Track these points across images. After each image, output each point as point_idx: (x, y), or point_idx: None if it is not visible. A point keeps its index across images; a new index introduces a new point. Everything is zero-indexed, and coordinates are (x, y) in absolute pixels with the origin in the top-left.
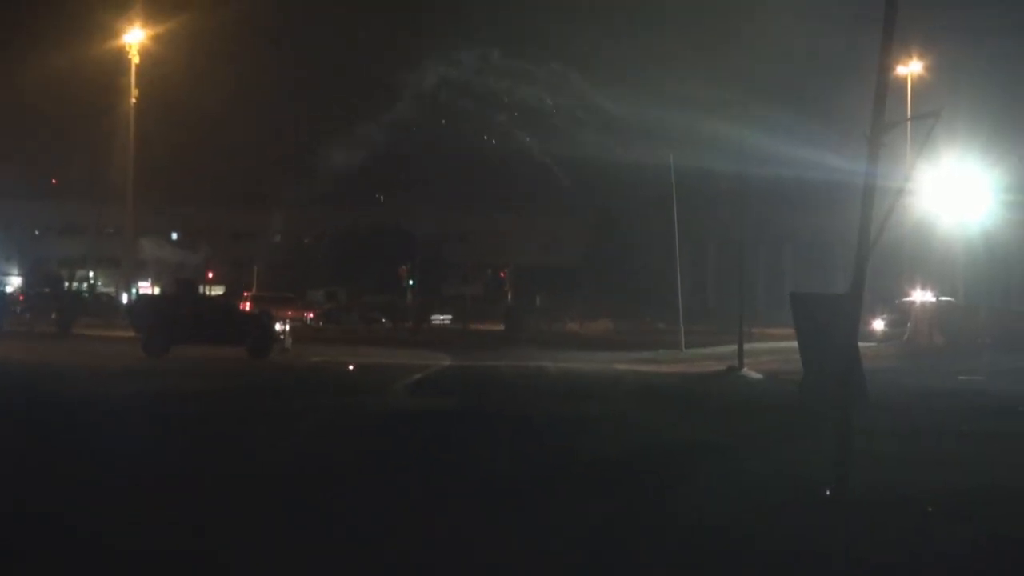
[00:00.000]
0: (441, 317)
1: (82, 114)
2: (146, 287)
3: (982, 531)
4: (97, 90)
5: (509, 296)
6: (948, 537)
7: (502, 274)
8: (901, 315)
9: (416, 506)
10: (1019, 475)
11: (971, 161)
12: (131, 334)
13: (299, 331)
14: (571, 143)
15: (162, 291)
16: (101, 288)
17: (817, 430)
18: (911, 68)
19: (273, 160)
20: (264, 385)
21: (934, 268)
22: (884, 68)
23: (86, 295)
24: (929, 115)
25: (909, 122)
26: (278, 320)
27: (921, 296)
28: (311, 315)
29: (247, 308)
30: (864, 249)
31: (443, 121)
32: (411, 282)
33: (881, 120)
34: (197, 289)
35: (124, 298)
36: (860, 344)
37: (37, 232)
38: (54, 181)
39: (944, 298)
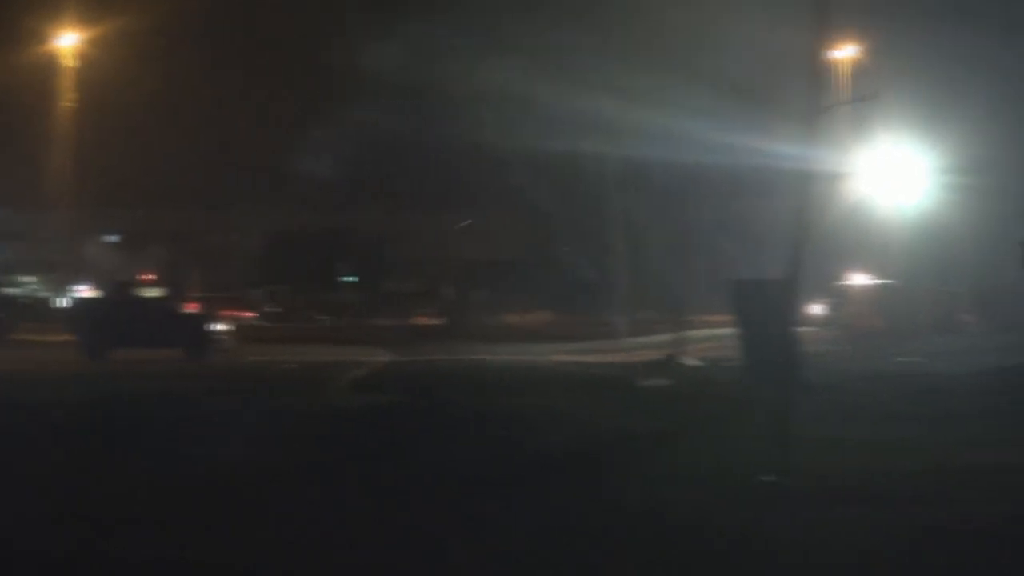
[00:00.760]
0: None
1: (16, 119)
2: (84, 291)
3: (925, 515)
4: (33, 94)
5: (448, 291)
6: (890, 520)
7: (443, 268)
8: (839, 299)
9: (354, 505)
10: (961, 456)
11: (908, 143)
12: (71, 338)
13: (239, 331)
14: (508, 135)
15: (100, 294)
16: (39, 293)
17: (757, 416)
18: (847, 51)
19: (213, 161)
20: (202, 387)
21: (872, 251)
22: (818, 51)
23: (25, 300)
24: (866, 98)
25: (846, 105)
26: (218, 320)
27: (859, 279)
28: (250, 314)
29: (195, 308)
30: (802, 234)
31: (376, 120)
32: (350, 279)
33: (817, 103)
34: (135, 290)
35: (63, 302)
36: (799, 328)
37: None
38: None
39: (882, 281)
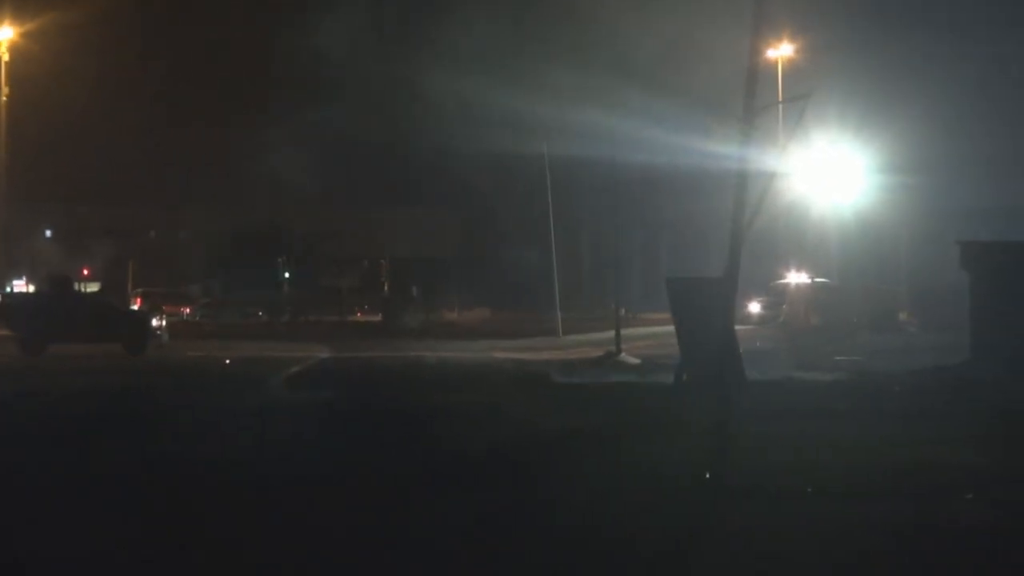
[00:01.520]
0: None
1: None
2: (20, 285)
3: (865, 512)
4: None
5: (386, 287)
6: (828, 518)
7: (381, 265)
8: (776, 297)
9: (282, 505)
10: (898, 454)
11: (844, 142)
12: (5, 333)
13: (176, 326)
14: (442, 134)
15: (36, 289)
16: None
17: (696, 414)
18: (782, 51)
19: (148, 157)
20: (138, 383)
21: (808, 250)
22: (755, 51)
23: None
24: (800, 97)
25: (780, 104)
26: (156, 316)
27: (796, 278)
28: (188, 310)
29: (137, 304)
30: (738, 232)
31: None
32: (286, 275)
33: (752, 103)
34: (72, 286)
35: None
36: (736, 327)
37: None
38: None
39: (819, 279)
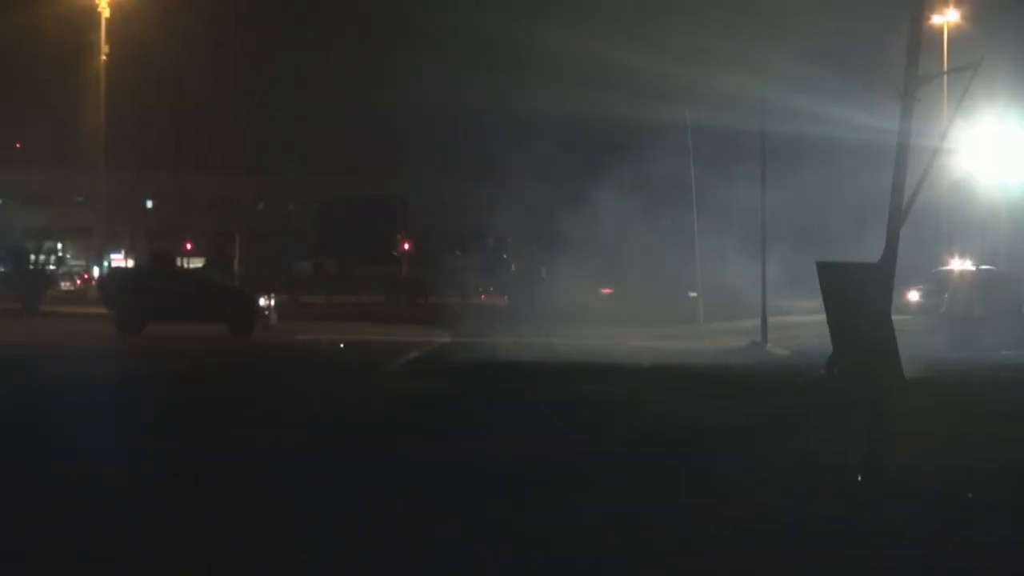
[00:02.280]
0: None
1: (48, 74)
2: (119, 259)
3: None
4: (64, 48)
5: (512, 268)
6: (988, 526)
7: (507, 243)
8: (938, 285)
9: (417, 506)
10: None
11: (1013, 117)
12: (102, 311)
13: (285, 306)
14: (576, 100)
15: (136, 264)
16: (70, 261)
17: (848, 409)
18: (947, 17)
19: (253, 122)
20: (246, 367)
21: (974, 234)
22: (917, 18)
23: (53, 269)
24: (967, 67)
25: (945, 76)
26: (263, 294)
27: (960, 264)
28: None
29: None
30: (897, 214)
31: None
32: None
33: (915, 74)
34: (174, 262)
35: (96, 271)
36: (893, 317)
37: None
38: (18, 145)
39: (984, 266)
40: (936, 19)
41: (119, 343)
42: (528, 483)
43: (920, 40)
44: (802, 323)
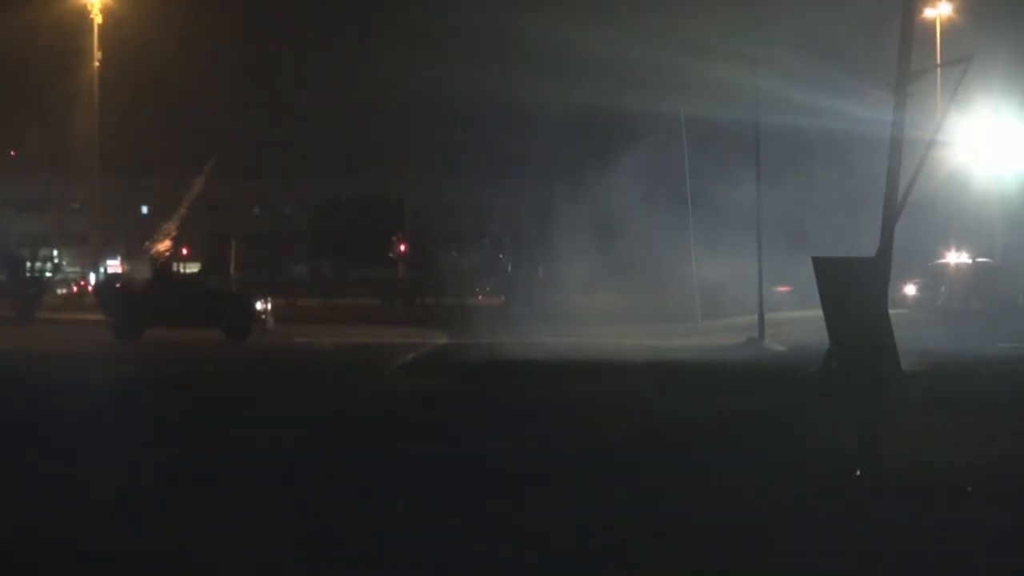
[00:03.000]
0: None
1: (42, 80)
2: (115, 265)
3: (1021, 512)
4: (57, 54)
5: (509, 268)
6: (988, 520)
7: (503, 243)
8: (934, 278)
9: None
10: None
11: (1008, 109)
12: (99, 317)
13: (282, 310)
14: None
15: (131, 269)
16: (66, 268)
17: (845, 404)
18: (940, 10)
19: (248, 126)
20: (244, 371)
21: (969, 227)
22: (909, 10)
23: (50, 276)
24: (960, 60)
25: (939, 69)
26: (259, 298)
27: (955, 258)
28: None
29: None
30: (892, 207)
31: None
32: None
33: (907, 68)
34: (170, 267)
35: (92, 278)
36: (890, 311)
37: None
38: (13, 153)
39: (980, 259)
40: (929, 12)
41: (117, 349)
42: (528, 481)
43: (912, 34)
44: (800, 318)
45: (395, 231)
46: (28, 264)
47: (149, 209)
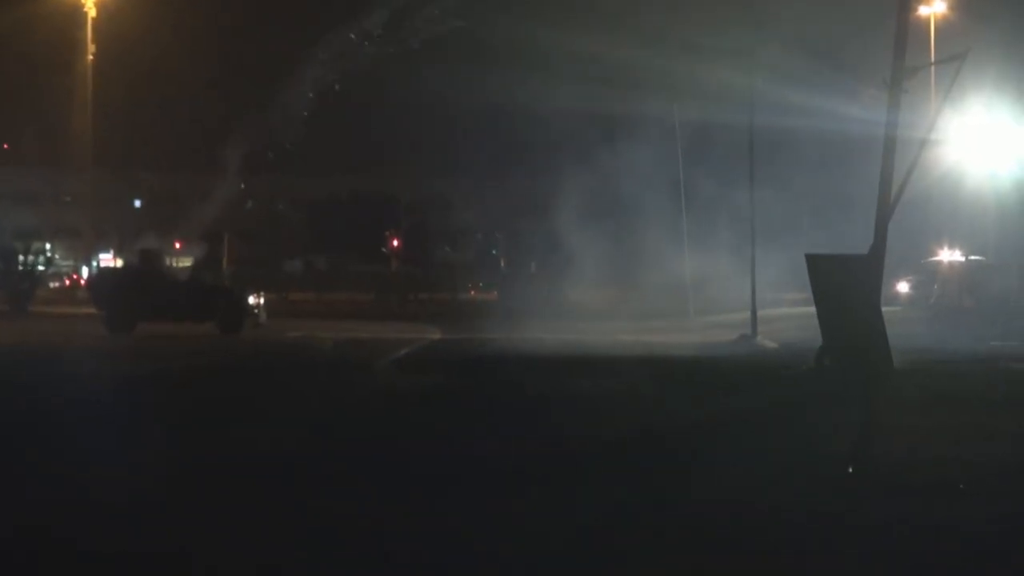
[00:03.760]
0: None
1: (35, 73)
2: (107, 259)
3: (1017, 510)
4: (51, 47)
5: (503, 263)
6: (987, 519)
7: (497, 239)
8: (927, 276)
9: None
10: None
11: (1002, 107)
12: (92, 311)
13: (275, 304)
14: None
15: (124, 264)
16: (59, 261)
17: (838, 402)
18: (934, 8)
19: (242, 121)
20: (237, 366)
21: (963, 225)
22: (903, 8)
23: (42, 269)
24: (954, 58)
25: (933, 67)
26: (252, 292)
27: (949, 255)
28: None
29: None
30: (886, 205)
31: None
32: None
33: (902, 65)
34: (162, 261)
35: (84, 271)
36: (883, 308)
37: None
38: (5, 146)
39: (974, 257)
40: (923, 10)
41: (110, 343)
42: (528, 481)
43: (907, 31)
44: (792, 315)
45: (389, 227)
46: (20, 257)
47: (142, 203)
